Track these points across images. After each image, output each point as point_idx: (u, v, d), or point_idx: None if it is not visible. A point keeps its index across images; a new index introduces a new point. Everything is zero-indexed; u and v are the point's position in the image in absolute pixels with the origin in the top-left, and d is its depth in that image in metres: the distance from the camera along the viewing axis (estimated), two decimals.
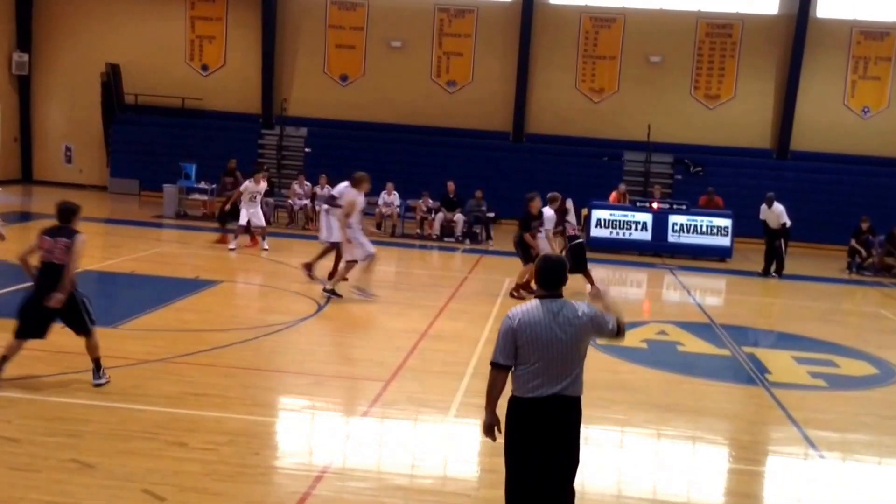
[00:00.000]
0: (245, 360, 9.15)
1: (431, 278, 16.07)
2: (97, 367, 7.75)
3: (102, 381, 7.73)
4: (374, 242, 13.27)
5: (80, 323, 7.69)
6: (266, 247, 16.52)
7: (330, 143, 24.96)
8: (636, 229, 19.97)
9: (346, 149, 24.43)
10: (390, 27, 25.73)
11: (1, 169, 26.07)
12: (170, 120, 25.61)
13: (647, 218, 19.96)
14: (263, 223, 16.68)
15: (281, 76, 26.34)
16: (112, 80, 25.60)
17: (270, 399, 8.31)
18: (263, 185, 16.81)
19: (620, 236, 19.97)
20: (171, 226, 19.88)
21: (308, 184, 21.07)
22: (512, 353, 4.81)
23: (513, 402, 4.88)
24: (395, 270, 16.87)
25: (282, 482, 6.18)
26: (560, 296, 4.89)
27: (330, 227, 13.02)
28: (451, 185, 20.60)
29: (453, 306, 12.72)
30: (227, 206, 17.17)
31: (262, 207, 16.74)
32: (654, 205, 20.26)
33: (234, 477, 6.06)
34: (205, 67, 26.46)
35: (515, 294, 13.28)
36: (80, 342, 9.06)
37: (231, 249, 16.20)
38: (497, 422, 4.97)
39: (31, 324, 7.60)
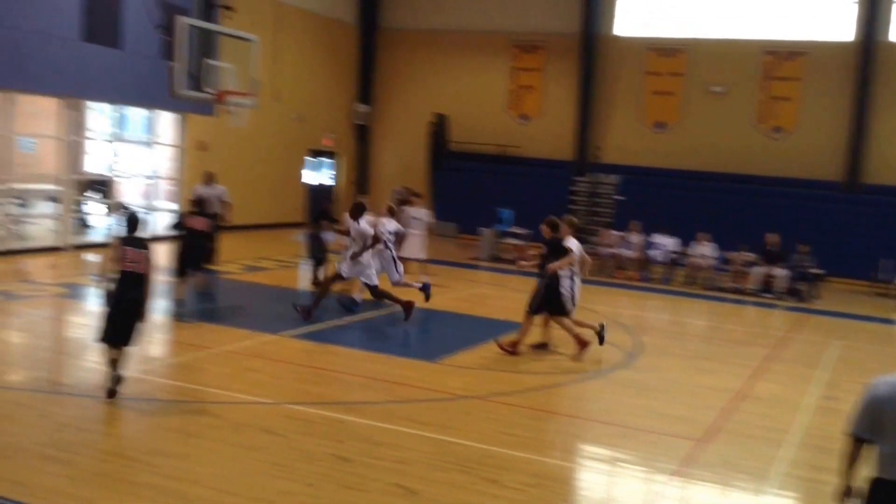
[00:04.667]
0: (554, 404, 9.26)
1: (747, 335, 15.24)
2: (118, 377, 7.96)
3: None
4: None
5: (134, 330, 8.03)
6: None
7: (643, 190, 24.70)
8: None
9: (660, 196, 24.05)
10: (711, 72, 25.08)
11: (342, 210, 28.84)
12: (488, 167, 26.85)
13: None
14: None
15: (595, 123, 26.66)
16: (439, 128, 27.44)
17: (578, 446, 8.31)
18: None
19: None
20: (485, 268, 20.73)
21: (617, 233, 20.97)
22: (873, 426, 4.36)
23: (876, 484, 4.39)
24: (707, 325, 16.28)
25: None
26: None
27: None
28: (772, 238, 19.45)
29: (771, 367, 11.95)
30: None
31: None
32: None
33: None
34: (523, 116, 27.50)
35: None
36: (407, 373, 9.69)
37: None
38: (850, 490, 4.53)
39: (116, 331, 7.95)
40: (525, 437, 7.86)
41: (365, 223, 12.73)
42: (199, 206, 12.75)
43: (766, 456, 7.95)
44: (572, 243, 11.43)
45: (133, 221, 8.38)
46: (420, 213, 16.56)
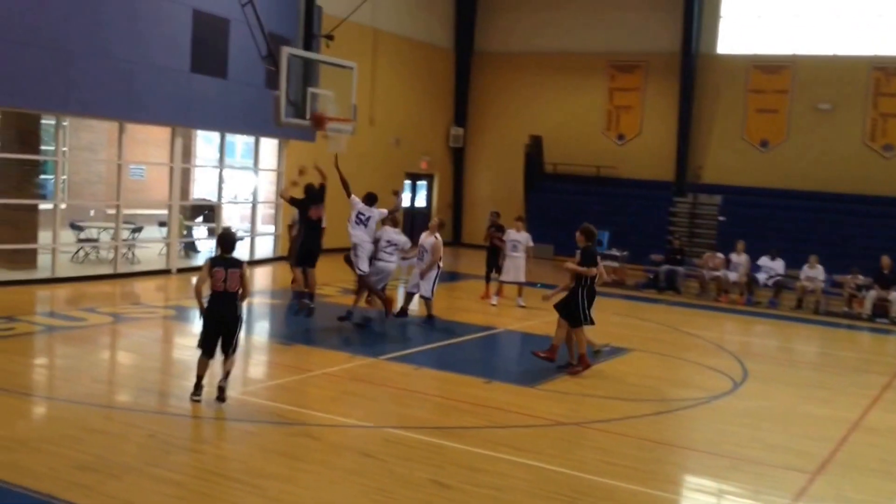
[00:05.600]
0: (658, 433, 9.00)
1: (861, 363, 14.55)
2: (225, 379, 8.62)
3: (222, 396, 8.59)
4: None
5: (233, 343, 8.62)
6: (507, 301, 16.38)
7: (746, 211, 24.01)
8: None
9: (764, 217, 23.34)
10: (818, 89, 24.24)
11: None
12: (584, 188, 26.58)
13: None
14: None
15: (696, 143, 26.10)
16: (534, 150, 27.33)
17: (684, 477, 8.04)
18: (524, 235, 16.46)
19: None
20: None
21: (720, 255, 20.38)
22: None
23: None
24: (818, 351, 15.62)
25: None
26: None
27: None
28: (885, 260, 18.55)
29: (889, 396, 11.35)
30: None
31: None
32: None
33: None
34: (620, 137, 27.15)
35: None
36: (506, 398, 9.61)
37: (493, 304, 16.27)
38: None
39: (212, 344, 8.60)
40: (628, 467, 7.64)
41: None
42: (312, 195, 13.23)
43: (887, 491, 7.57)
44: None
45: (225, 241, 8.75)
46: (521, 237, 16.54)
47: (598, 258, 11.25)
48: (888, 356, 15.52)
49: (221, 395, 8.58)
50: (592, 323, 11.16)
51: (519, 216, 17.86)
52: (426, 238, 13.96)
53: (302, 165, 14.11)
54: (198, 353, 8.73)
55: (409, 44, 26.75)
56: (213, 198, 21.23)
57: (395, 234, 13.24)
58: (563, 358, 11.21)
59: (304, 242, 13.24)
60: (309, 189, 13.43)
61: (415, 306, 14.34)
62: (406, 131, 26.81)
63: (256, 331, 12.30)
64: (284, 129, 16.89)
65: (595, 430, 8.74)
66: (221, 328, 8.56)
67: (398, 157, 26.62)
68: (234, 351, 8.69)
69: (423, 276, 13.83)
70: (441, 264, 14.04)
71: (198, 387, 8.65)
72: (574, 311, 11.00)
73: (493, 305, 16.24)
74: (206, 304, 8.55)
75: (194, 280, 9.17)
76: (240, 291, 8.58)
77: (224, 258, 8.62)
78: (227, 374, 8.66)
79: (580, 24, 27.22)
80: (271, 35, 14.82)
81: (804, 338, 16.65)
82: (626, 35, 26.64)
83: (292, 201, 13.59)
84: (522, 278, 16.39)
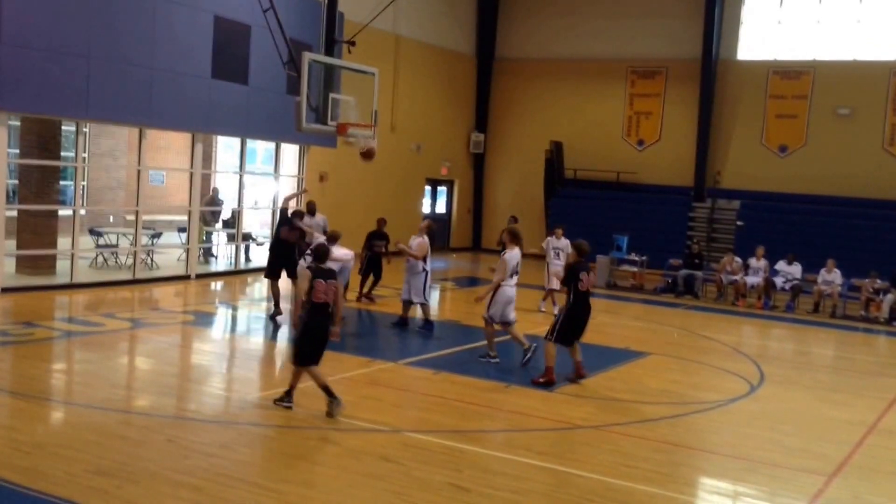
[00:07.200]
0: (676, 435, 9.03)
1: (879, 366, 14.50)
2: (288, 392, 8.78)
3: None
4: None
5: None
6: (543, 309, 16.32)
7: (764, 216, 23.95)
8: None
9: (783, 222, 23.26)
10: (838, 94, 24.15)
11: (457, 238, 29.15)
12: (604, 193, 26.57)
13: None
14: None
15: (715, 148, 26.05)
16: (555, 156, 27.35)
17: (702, 480, 8.06)
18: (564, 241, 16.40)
19: None
20: (601, 295, 20.31)
21: (738, 259, 20.33)
22: None
23: None
24: (835, 355, 15.56)
25: None
26: None
27: None
28: None
29: None
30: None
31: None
32: None
33: None
34: (640, 142, 27.14)
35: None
36: (525, 402, 9.66)
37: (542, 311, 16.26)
38: None
39: (312, 354, 8.63)
40: (647, 470, 7.67)
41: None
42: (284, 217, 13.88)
43: None
44: (512, 255, 11.34)
45: (321, 253, 8.88)
46: (561, 244, 16.62)
47: (582, 275, 10.94)
48: None
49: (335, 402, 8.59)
50: (568, 344, 10.84)
51: (557, 224, 17.94)
52: (413, 238, 14.00)
53: (322, 171, 14.31)
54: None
55: (431, 50, 26.86)
56: (229, 201, 21.24)
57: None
58: (565, 368, 11.12)
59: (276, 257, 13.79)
60: (295, 212, 14.17)
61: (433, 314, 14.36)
62: (427, 137, 26.90)
63: (277, 336, 12.37)
64: (305, 134, 17.01)
65: (613, 433, 8.77)
66: (317, 337, 8.58)
67: (419, 162, 26.73)
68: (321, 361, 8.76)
69: (403, 254, 13.86)
70: (429, 268, 13.84)
71: (290, 395, 8.77)
72: (555, 326, 10.76)
73: (542, 311, 16.28)
74: (306, 317, 8.53)
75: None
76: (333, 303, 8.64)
77: (322, 269, 8.64)
78: (330, 394, 8.65)
79: (601, 30, 27.24)
80: (293, 41, 14.93)
81: (821, 341, 16.59)
82: (647, 41, 26.63)
83: (284, 215, 14.16)
84: (556, 286, 16.44)
